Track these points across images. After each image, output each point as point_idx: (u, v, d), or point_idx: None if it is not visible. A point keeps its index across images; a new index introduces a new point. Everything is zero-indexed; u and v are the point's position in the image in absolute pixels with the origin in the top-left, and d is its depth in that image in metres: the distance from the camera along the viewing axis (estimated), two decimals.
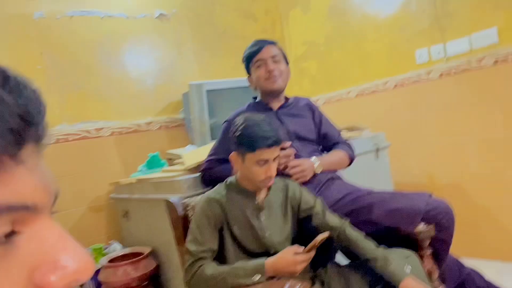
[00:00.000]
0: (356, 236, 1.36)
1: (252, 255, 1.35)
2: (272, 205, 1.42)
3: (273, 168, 1.32)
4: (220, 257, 1.36)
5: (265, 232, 1.37)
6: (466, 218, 2.13)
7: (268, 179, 1.33)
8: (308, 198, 1.45)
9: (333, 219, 1.40)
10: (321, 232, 1.29)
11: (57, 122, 2.44)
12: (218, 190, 1.42)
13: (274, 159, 1.33)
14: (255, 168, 1.31)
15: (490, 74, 2.29)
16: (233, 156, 1.38)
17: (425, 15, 2.55)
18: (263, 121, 1.34)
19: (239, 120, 1.36)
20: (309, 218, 1.42)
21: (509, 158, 2.29)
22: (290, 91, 1.91)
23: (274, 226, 1.39)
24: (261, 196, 1.41)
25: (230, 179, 1.45)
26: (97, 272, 2.13)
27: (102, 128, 2.58)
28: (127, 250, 2.28)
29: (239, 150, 1.34)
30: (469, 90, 2.40)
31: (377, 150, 2.47)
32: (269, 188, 1.42)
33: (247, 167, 1.33)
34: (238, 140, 1.33)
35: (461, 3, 2.37)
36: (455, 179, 2.54)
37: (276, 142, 1.31)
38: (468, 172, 2.47)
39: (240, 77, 2.70)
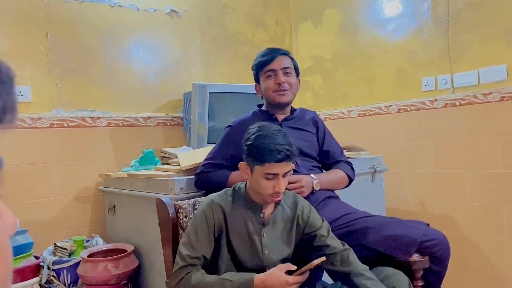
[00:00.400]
0: (362, 268, 1.28)
1: (246, 270, 1.29)
2: (277, 222, 1.34)
3: (282, 184, 1.25)
4: (213, 263, 1.31)
5: (264, 249, 1.30)
6: (455, 251, 2.11)
7: (276, 194, 1.26)
8: (316, 220, 1.37)
9: (336, 242, 1.34)
10: (319, 253, 1.24)
11: (53, 107, 2.38)
12: (224, 195, 1.35)
13: (285, 174, 1.26)
14: (263, 181, 1.24)
15: (495, 110, 2.29)
16: (242, 165, 1.32)
17: (436, 44, 2.55)
18: (278, 132, 1.26)
19: (253, 129, 1.29)
20: (310, 238, 1.35)
21: (504, 195, 2.28)
22: (292, 103, 1.87)
23: (275, 244, 1.32)
24: (267, 211, 1.33)
25: (239, 185, 1.37)
26: (76, 265, 2.06)
27: (99, 118, 2.53)
28: (109, 246, 2.22)
29: (248, 160, 1.28)
30: (472, 122, 2.39)
31: (374, 173, 2.44)
32: (277, 203, 1.34)
33: (254, 179, 1.27)
34: (248, 149, 1.26)
35: (473, 37, 2.38)
36: (448, 210, 2.52)
37: (288, 157, 1.23)
38: (462, 205, 2.46)
39: (244, 83, 2.67)
